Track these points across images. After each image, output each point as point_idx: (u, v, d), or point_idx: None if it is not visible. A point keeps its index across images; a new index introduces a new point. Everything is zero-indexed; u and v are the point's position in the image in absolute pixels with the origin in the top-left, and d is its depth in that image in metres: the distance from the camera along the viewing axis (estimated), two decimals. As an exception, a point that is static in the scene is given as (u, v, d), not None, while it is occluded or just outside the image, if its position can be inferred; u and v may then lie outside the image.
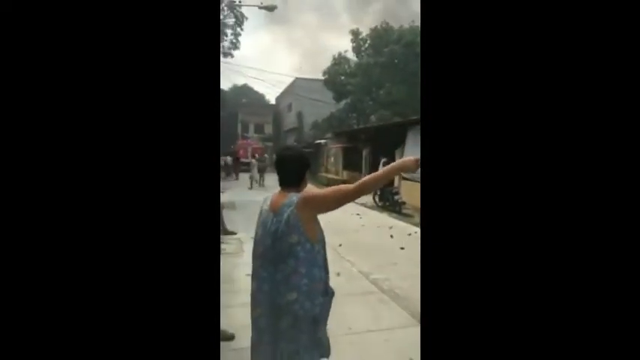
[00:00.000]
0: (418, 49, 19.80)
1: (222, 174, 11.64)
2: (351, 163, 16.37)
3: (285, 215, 1.55)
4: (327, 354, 1.68)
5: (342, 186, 1.57)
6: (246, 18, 16.31)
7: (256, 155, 14.53)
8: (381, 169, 1.64)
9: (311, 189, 1.71)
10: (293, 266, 1.54)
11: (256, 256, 1.65)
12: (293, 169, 1.66)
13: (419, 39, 22.71)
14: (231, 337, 3.03)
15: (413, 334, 2.95)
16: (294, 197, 1.58)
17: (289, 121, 31.83)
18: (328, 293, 1.68)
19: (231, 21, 15.90)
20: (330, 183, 16.31)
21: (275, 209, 1.60)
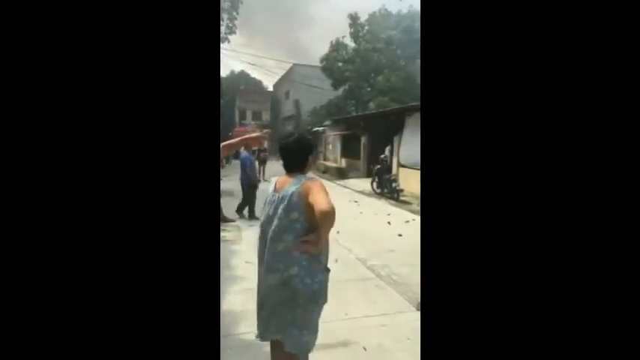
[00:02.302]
0: (416, 35, 19.60)
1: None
2: (350, 150, 16.36)
3: (290, 192, 1.65)
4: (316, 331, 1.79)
5: (329, 207, 1.51)
6: (241, 2, 15.98)
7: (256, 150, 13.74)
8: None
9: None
10: (292, 242, 1.64)
11: (263, 232, 1.76)
12: (297, 153, 1.75)
13: (418, 24, 22.23)
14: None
15: (410, 319, 3.00)
16: (301, 178, 1.69)
17: (287, 108, 31.66)
18: (326, 272, 1.78)
19: (227, 4, 15.63)
20: (328, 170, 16.32)
21: (279, 189, 1.72)
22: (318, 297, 1.70)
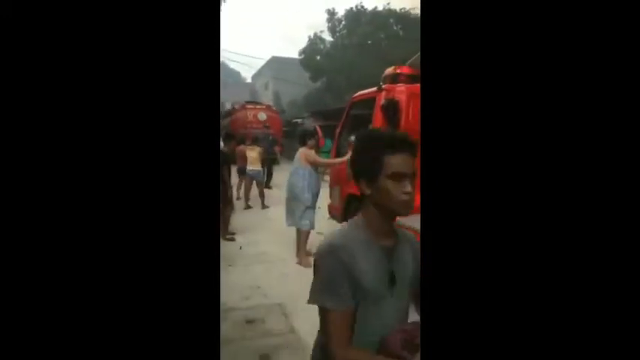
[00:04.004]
0: (389, 32, 20.56)
1: None
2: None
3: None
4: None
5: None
6: (224, 1, 16.60)
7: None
8: None
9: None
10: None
11: None
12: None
13: (391, 20, 22.81)
14: None
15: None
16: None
17: (266, 99, 32.18)
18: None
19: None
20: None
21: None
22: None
